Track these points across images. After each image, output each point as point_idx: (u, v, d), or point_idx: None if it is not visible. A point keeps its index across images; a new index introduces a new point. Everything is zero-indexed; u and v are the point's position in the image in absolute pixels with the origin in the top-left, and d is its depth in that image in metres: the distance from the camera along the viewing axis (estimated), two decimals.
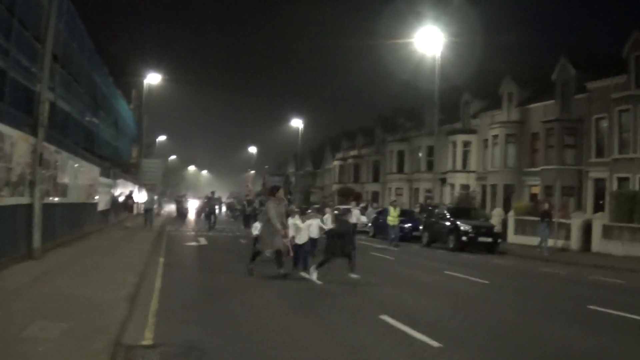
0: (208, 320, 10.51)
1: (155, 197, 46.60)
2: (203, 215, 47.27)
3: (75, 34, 21.88)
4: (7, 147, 14.29)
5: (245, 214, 45.84)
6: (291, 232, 18.15)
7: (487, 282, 17.48)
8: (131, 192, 38.72)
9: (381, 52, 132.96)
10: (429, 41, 39.76)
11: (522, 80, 45.77)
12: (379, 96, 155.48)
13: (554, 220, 29.75)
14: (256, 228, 18.34)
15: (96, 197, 29.46)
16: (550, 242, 29.28)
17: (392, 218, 31.38)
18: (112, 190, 36.32)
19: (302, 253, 18.39)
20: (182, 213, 54.06)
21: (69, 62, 21.19)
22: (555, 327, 11.23)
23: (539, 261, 26.16)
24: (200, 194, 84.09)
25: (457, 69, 49.76)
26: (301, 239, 18.38)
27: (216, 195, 47.79)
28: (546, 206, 30.14)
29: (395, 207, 32.38)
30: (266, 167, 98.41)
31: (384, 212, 37.19)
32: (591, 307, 13.59)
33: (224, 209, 72.62)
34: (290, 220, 18.63)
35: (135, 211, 37.65)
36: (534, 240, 31.22)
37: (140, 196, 41.30)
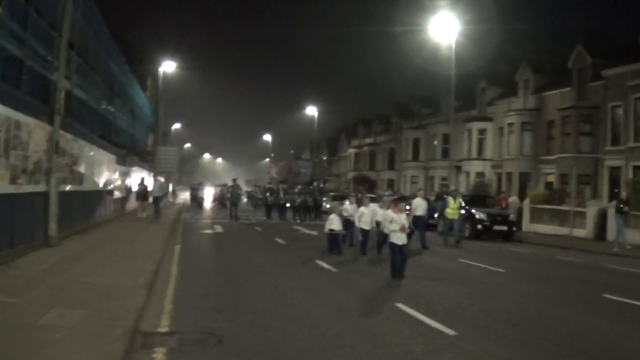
0: (225, 307, 10.55)
1: (164, 183, 44.05)
2: (227, 203, 45.61)
3: (92, 22, 21.93)
4: (24, 135, 14.38)
5: (267, 204, 43.89)
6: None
7: (502, 270, 17.40)
8: (143, 179, 36.40)
9: (397, 39, 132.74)
10: (444, 28, 39.54)
11: (538, 67, 45.45)
12: (395, 83, 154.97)
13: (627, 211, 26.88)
14: (332, 222, 19.40)
15: (113, 185, 29.59)
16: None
17: (452, 210, 26.82)
18: (128, 178, 36.42)
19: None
20: (198, 202, 53.86)
21: (85, 50, 21.26)
22: (571, 315, 11.20)
23: (556, 249, 26.00)
24: (216, 182, 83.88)
25: (473, 55, 49.42)
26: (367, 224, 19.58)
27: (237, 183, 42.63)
28: (623, 195, 28.11)
29: (455, 197, 27.83)
30: (291, 152, 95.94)
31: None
32: (607, 295, 13.53)
33: (244, 199, 68.30)
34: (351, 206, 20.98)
35: (149, 199, 36.07)
36: (549, 229, 31.09)
37: (151, 183, 39.39)
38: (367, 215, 19.58)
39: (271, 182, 62.06)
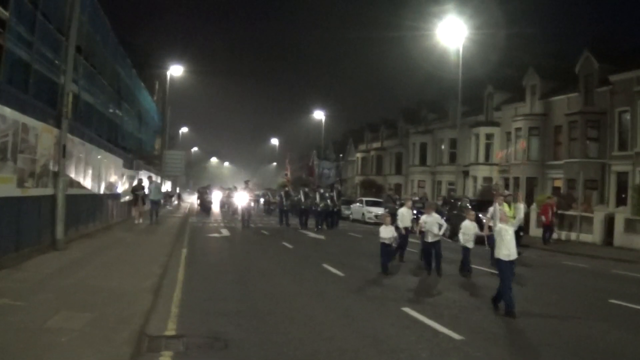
0: (231, 311, 10.56)
1: (160, 185, 39.98)
2: (238, 208, 42.00)
3: (99, 26, 22.02)
4: (32, 138, 14.43)
5: (281, 209, 39.47)
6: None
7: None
8: (140, 182, 32.74)
9: (404, 44, 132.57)
10: (452, 33, 39.46)
11: (545, 73, 45.32)
12: (402, 88, 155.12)
13: None
14: (389, 233, 16.70)
15: (120, 189, 29.63)
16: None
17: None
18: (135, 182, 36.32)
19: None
20: (205, 206, 53.30)
21: (92, 54, 21.34)
22: (577, 321, 11.18)
23: (561, 254, 25.87)
24: (224, 186, 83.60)
25: (480, 60, 49.47)
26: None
27: (250, 186, 38.40)
28: None
29: (510, 203, 22.58)
30: (314, 151, 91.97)
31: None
32: (613, 301, 13.50)
33: (261, 200, 63.50)
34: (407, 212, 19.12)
35: (146, 204, 32.22)
36: (556, 234, 30.96)
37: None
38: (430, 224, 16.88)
39: (287, 184, 58.07)
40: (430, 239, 16.74)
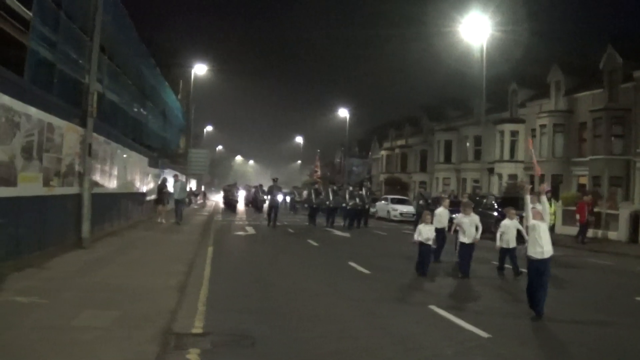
0: (257, 309, 10.54)
1: (185, 184, 37.41)
2: (265, 206, 41.68)
3: (122, 25, 22.12)
4: (57, 137, 14.52)
5: (312, 207, 37.50)
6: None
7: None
8: (164, 180, 32.60)
9: (427, 42, 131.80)
10: (475, 30, 39.27)
11: (569, 69, 44.94)
12: (425, 86, 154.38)
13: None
14: (421, 233, 15.73)
15: (144, 188, 29.76)
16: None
17: (551, 216, 21.38)
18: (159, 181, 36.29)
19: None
20: (231, 204, 52.43)
21: (116, 53, 21.45)
22: (602, 319, 11.07)
23: (587, 252, 25.59)
24: (247, 183, 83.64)
25: (504, 57, 49.17)
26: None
27: (277, 184, 36.58)
28: None
29: (550, 199, 22.17)
30: (342, 148, 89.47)
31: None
32: (639, 298, 13.37)
33: (287, 198, 62.47)
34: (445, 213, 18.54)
35: (168, 202, 31.90)
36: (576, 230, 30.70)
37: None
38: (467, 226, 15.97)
39: (317, 182, 55.33)
40: (467, 241, 15.79)
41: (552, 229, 19.98)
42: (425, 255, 15.65)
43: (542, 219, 11.03)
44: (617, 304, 13.05)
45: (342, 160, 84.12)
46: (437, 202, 24.53)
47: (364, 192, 36.96)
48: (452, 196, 39.93)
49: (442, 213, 18.47)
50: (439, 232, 17.55)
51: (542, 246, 10.73)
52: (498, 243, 16.45)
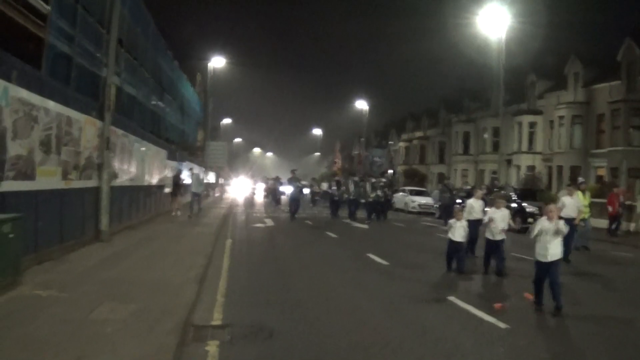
0: (276, 301, 10.54)
1: (201, 176, 36.63)
2: (282, 198, 41.80)
3: (139, 18, 22.14)
4: (75, 131, 14.54)
5: (332, 199, 36.41)
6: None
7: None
8: (179, 172, 31.95)
9: (445, 33, 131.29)
10: (493, 21, 39.00)
11: (587, 60, 44.73)
12: (443, 77, 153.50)
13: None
14: (454, 229, 14.82)
15: (163, 181, 29.78)
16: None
17: (586, 209, 20.58)
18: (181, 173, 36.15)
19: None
20: (276, 197, 47.74)
21: (134, 46, 21.48)
22: (621, 311, 10.99)
23: (606, 243, 25.29)
24: (265, 175, 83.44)
25: (522, 48, 48.79)
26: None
27: (296, 175, 35.55)
28: None
29: (584, 191, 21.39)
30: (362, 139, 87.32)
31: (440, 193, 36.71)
32: None
33: (306, 191, 57.01)
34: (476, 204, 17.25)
35: (184, 195, 31.57)
36: (601, 223, 30.42)
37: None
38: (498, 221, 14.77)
39: (338, 173, 52.40)
40: (497, 237, 14.60)
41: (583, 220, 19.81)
42: (453, 251, 14.80)
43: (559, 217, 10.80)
44: (638, 296, 12.94)
45: (360, 152, 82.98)
46: (469, 194, 23.99)
47: (385, 183, 36.24)
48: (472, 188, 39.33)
49: (474, 204, 17.32)
50: (472, 224, 16.24)
51: (547, 249, 10.53)
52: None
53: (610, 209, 28.65)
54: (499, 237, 14.59)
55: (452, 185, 38.68)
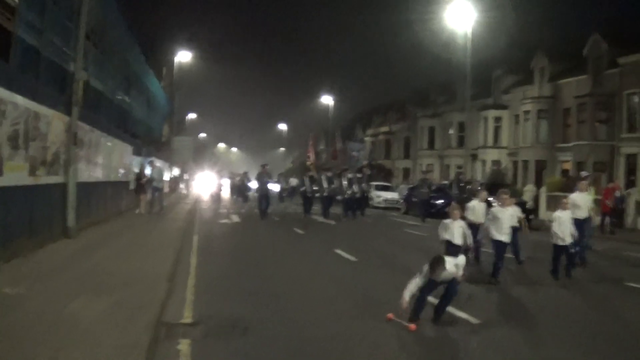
0: (249, 294, 10.62)
1: (163, 170, 34.16)
2: (249, 194, 41.51)
3: (108, 11, 21.92)
4: (43, 126, 14.38)
5: (306, 196, 32.99)
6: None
7: (522, 258, 16.56)
8: (142, 167, 30.96)
9: (412, 27, 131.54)
10: (460, 16, 39.23)
11: (554, 55, 45.32)
12: (410, 72, 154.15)
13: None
14: (448, 229, 11.78)
15: (129, 176, 29.53)
16: None
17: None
18: (145, 169, 35.80)
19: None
20: (243, 193, 46.82)
21: (101, 41, 21.28)
22: (590, 303, 11.32)
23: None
24: (231, 170, 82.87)
25: (488, 43, 49.14)
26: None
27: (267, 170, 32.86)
28: None
29: (588, 187, 20.01)
30: (336, 132, 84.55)
31: (416, 188, 37.01)
32: (629, 284, 13.46)
33: (274, 187, 53.15)
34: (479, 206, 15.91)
35: (148, 191, 29.50)
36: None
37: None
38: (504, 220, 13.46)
39: (312, 168, 50.12)
40: (504, 239, 13.37)
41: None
42: (453, 253, 11.76)
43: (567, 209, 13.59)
44: (609, 289, 13.09)
45: (335, 148, 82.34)
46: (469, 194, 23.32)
47: (362, 177, 35.07)
48: (428, 182, 38.93)
49: (477, 207, 16.02)
50: (475, 228, 14.67)
51: (563, 233, 13.18)
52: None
53: (609, 203, 27.39)
54: (504, 238, 13.32)
55: (431, 181, 38.80)
